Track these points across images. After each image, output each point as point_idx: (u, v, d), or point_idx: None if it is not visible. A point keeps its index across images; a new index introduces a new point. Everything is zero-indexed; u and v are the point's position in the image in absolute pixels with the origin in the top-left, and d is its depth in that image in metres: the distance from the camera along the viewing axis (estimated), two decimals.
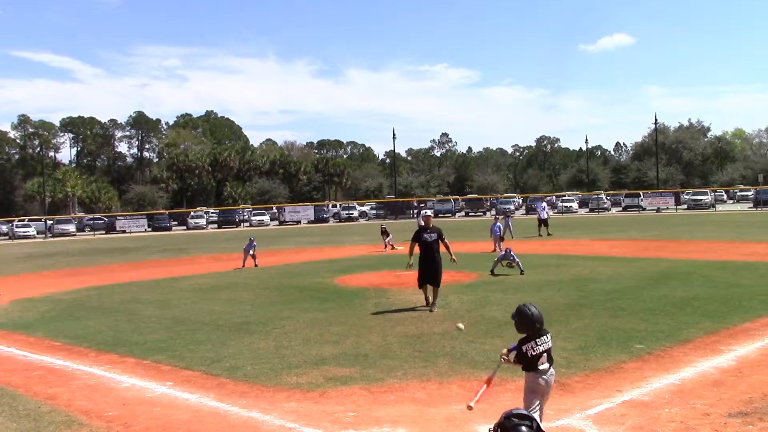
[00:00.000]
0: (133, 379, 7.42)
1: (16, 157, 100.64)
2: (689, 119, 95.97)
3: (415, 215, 38.51)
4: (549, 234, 28.08)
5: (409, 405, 6.10)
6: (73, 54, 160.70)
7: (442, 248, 11.32)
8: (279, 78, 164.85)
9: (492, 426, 2.56)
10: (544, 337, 4.68)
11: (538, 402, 4.62)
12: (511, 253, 15.48)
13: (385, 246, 25.17)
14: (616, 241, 24.49)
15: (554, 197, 66.47)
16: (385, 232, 25.91)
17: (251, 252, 20.77)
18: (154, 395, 6.76)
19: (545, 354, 4.64)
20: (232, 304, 12.59)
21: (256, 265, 20.35)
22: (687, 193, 59.62)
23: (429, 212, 12.28)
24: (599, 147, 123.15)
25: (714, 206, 54.22)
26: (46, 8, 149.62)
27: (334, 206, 68.59)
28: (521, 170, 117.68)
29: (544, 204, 31.82)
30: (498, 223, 23.16)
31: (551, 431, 5.25)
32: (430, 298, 11.34)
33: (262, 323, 10.46)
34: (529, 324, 4.70)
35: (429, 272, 11.20)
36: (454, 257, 11.64)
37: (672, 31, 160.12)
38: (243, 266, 20.47)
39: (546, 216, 29.33)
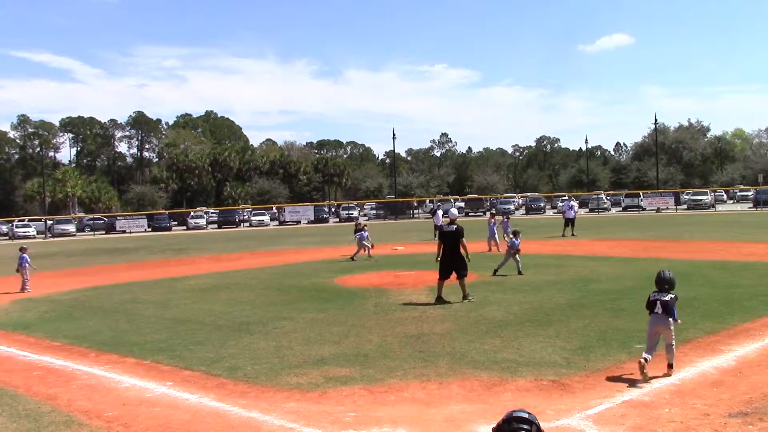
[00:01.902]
0: (133, 379, 7.42)
1: (16, 157, 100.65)
2: (689, 119, 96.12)
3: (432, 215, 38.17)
4: (573, 234, 27.24)
5: (409, 405, 6.10)
6: (72, 54, 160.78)
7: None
8: (278, 78, 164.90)
9: (494, 425, 2.56)
10: (665, 294, 6.74)
11: (652, 344, 6.71)
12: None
13: (366, 251, 21.62)
14: (616, 241, 24.48)
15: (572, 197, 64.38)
16: (359, 230, 22.23)
17: (365, 242, 21.53)
18: (154, 395, 6.76)
19: (658, 303, 6.69)
20: (232, 305, 12.59)
21: (369, 255, 21.41)
22: (687, 194, 59.60)
23: (454, 210, 13.18)
24: (599, 147, 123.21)
25: (714, 206, 54.22)
26: (45, 8, 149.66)
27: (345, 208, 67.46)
28: (521, 170, 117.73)
29: (572, 203, 30.34)
30: (493, 221, 23.04)
31: (551, 431, 5.25)
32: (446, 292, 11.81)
33: (262, 323, 10.46)
34: (656, 281, 6.90)
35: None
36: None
37: (671, 31, 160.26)
38: (368, 254, 21.42)
39: (573, 215, 28.38)
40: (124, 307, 13.00)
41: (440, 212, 29.52)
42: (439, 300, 11.63)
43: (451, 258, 11.71)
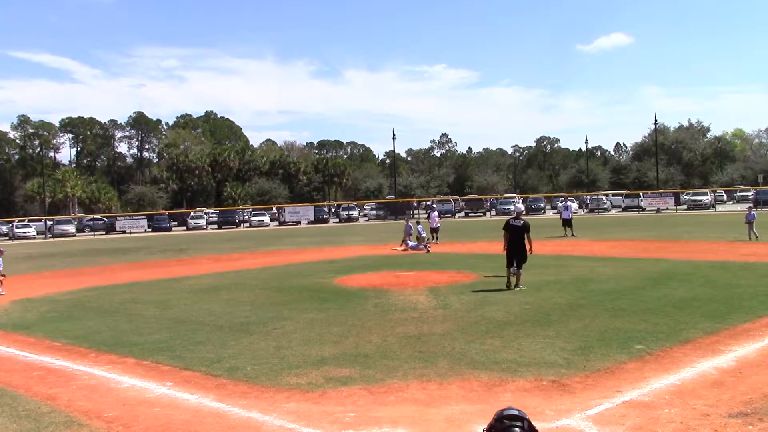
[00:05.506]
0: (133, 380, 7.42)
1: (16, 157, 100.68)
2: (689, 119, 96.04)
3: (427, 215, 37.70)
4: (573, 235, 27.21)
5: (409, 405, 6.10)
6: (71, 55, 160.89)
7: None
8: (277, 78, 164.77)
9: (485, 427, 2.56)
10: None
11: None
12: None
13: None
14: (616, 242, 24.48)
15: (586, 197, 64.12)
16: None
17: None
18: (154, 395, 6.76)
19: None
20: (232, 305, 12.58)
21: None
22: (687, 194, 59.62)
23: (520, 206, 14.38)
24: (599, 147, 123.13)
25: (714, 207, 54.23)
26: (44, 9, 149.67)
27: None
28: (521, 170, 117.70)
29: (568, 203, 29.81)
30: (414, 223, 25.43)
31: (551, 431, 5.25)
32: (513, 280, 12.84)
33: (262, 323, 10.46)
34: None
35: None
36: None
37: (671, 31, 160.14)
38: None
39: (569, 216, 28.27)
40: (124, 307, 13.00)
41: (435, 213, 29.19)
42: (509, 287, 12.68)
43: (517, 250, 12.85)
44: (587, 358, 7.47)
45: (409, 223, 25.84)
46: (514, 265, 12.88)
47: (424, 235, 24.88)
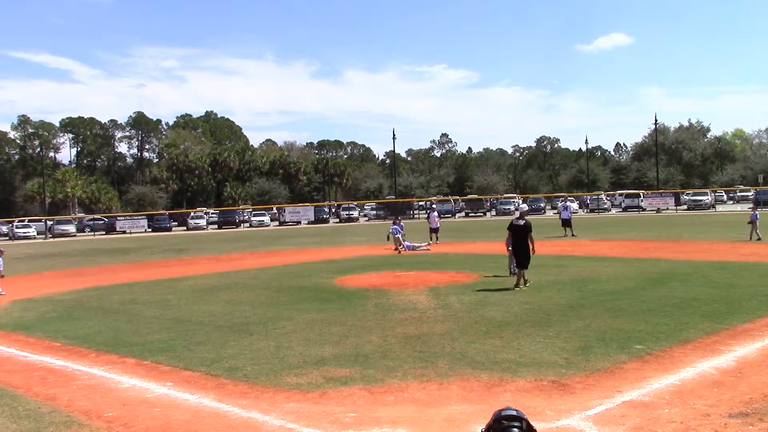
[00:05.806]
0: (133, 380, 7.42)
1: (16, 157, 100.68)
2: (689, 119, 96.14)
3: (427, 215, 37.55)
4: (573, 235, 27.25)
5: (409, 405, 6.10)
6: (71, 55, 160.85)
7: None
8: (277, 79, 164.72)
9: (483, 428, 2.56)
10: None
11: None
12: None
13: None
14: (616, 242, 24.49)
15: (587, 196, 64.16)
16: None
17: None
18: (154, 396, 6.76)
19: None
20: (232, 305, 12.58)
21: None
22: (687, 194, 59.62)
23: (524, 206, 14.55)
24: (599, 147, 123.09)
25: (714, 207, 54.23)
26: (44, 9, 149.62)
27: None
28: (521, 171, 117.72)
29: (567, 203, 29.78)
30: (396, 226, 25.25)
31: (551, 431, 5.25)
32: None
33: (262, 324, 10.46)
34: None
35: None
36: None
37: (671, 31, 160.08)
38: None
39: (568, 216, 28.27)
40: (124, 307, 13.00)
41: (435, 214, 29.12)
42: (516, 286, 12.89)
43: (520, 250, 13.12)
44: (587, 358, 7.47)
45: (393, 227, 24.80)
46: (518, 264, 13.18)
47: (398, 236, 24.18)
